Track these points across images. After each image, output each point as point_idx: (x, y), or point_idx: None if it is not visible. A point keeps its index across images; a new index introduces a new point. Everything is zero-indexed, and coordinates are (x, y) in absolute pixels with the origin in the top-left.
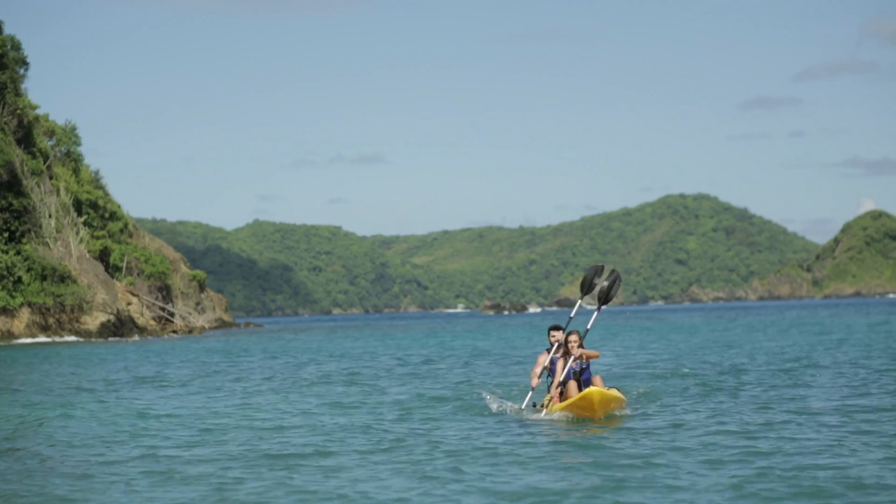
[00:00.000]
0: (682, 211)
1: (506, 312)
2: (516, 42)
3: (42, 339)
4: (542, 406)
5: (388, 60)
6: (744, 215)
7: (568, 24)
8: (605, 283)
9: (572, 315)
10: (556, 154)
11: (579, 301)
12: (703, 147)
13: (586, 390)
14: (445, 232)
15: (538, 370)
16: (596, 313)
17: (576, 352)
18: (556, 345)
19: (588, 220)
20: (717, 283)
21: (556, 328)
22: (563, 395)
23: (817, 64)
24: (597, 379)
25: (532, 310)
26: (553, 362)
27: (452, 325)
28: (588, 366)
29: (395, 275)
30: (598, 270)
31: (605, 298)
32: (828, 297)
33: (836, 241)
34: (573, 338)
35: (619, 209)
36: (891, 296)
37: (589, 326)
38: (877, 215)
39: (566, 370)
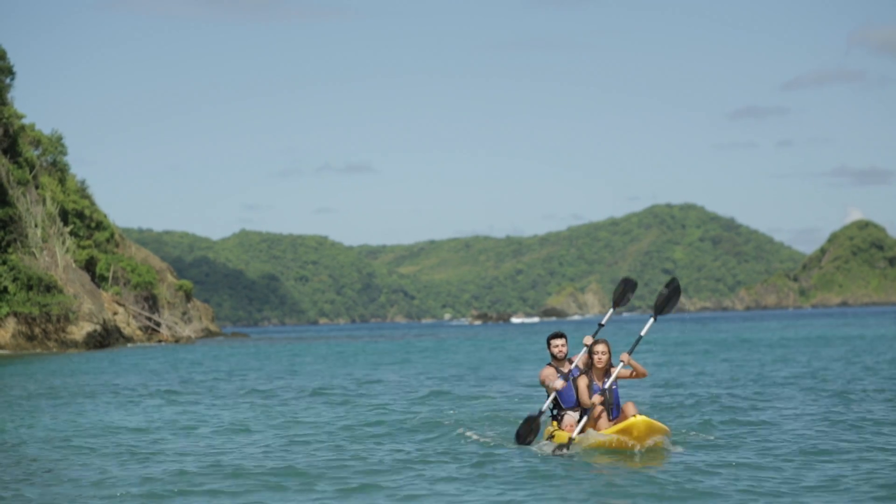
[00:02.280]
0: (668, 220)
1: (491, 322)
2: (504, 51)
3: (29, 348)
4: (549, 438)
5: (376, 69)
6: (730, 225)
7: (555, 32)
8: (665, 291)
9: (603, 322)
10: (543, 163)
11: (611, 310)
12: (690, 156)
13: (629, 420)
14: (432, 241)
15: (556, 380)
16: (651, 321)
17: (604, 373)
18: (561, 356)
19: (575, 229)
20: (704, 293)
21: (559, 336)
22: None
23: (805, 73)
24: (629, 406)
25: (516, 320)
26: (563, 376)
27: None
28: (616, 388)
29: (381, 284)
30: (628, 284)
31: (662, 307)
32: (814, 306)
33: (823, 250)
34: (601, 347)
35: (606, 219)
36: None
37: (643, 333)
38: (863, 225)
39: (592, 389)
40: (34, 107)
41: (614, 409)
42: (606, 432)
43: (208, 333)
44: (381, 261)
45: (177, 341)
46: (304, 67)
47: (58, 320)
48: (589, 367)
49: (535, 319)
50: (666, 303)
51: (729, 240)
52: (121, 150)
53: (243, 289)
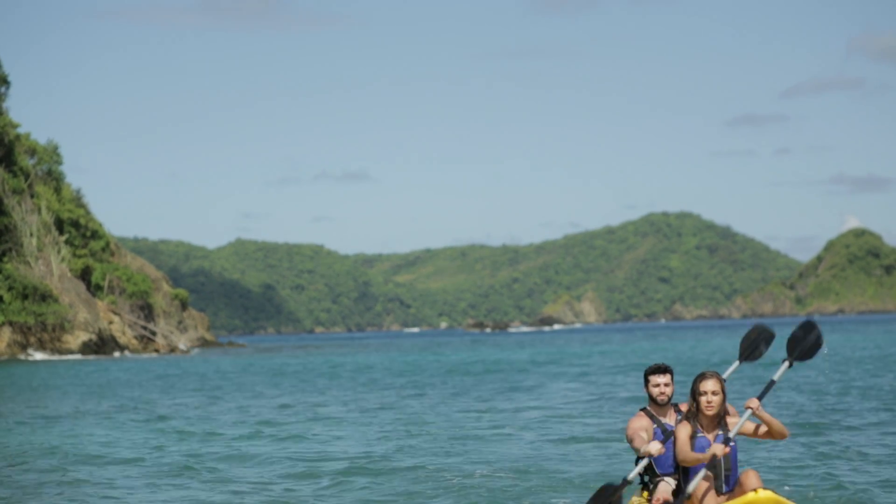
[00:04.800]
0: (665, 229)
1: (487, 330)
2: (502, 59)
3: (24, 357)
4: None
5: (373, 77)
6: (727, 233)
7: (553, 41)
8: (800, 333)
9: (724, 376)
10: (540, 172)
11: (736, 362)
12: (688, 164)
13: (748, 496)
14: (428, 250)
15: (644, 435)
16: (785, 366)
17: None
18: (663, 401)
19: (571, 238)
20: (701, 301)
21: (662, 370)
22: (680, 498)
23: (805, 80)
24: (749, 476)
25: (512, 329)
26: (662, 432)
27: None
28: (735, 447)
29: (377, 293)
30: (763, 334)
31: (801, 352)
32: (811, 314)
33: (819, 258)
34: (710, 385)
35: (602, 227)
36: None
37: (777, 377)
38: (860, 233)
39: (697, 443)
40: (30, 116)
41: (727, 480)
42: None
43: (204, 343)
44: (378, 269)
45: (172, 351)
46: (302, 75)
47: (53, 329)
48: (694, 413)
49: (559, 327)
50: (802, 347)
51: (725, 248)
52: (116, 158)
53: (239, 298)
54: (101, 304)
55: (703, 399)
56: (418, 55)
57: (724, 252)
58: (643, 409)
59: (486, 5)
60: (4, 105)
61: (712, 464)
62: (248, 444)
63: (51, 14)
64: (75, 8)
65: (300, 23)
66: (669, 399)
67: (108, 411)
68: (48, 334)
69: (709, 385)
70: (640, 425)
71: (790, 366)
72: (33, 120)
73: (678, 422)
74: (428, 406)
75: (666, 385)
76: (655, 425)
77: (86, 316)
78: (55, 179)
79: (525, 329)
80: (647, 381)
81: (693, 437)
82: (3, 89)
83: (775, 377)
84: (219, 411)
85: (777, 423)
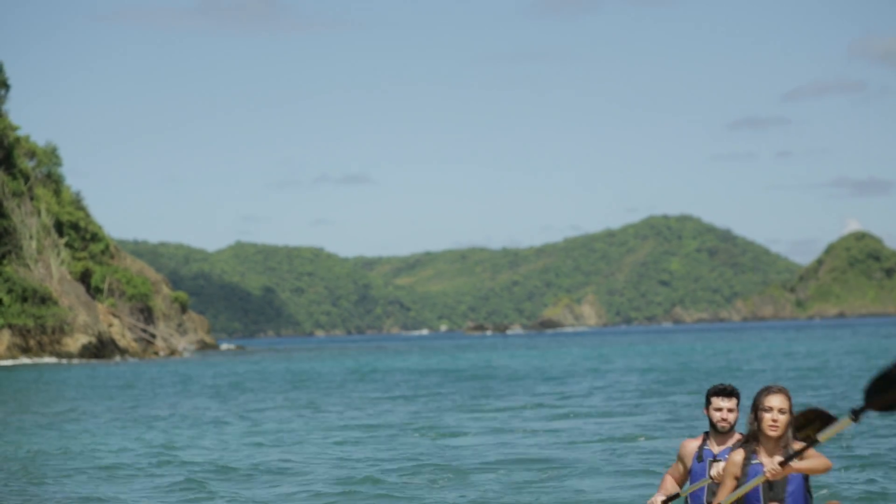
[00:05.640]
0: (665, 232)
1: (488, 333)
2: (502, 62)
3: (24, 360)
4: None
5: (373, 80)
6: (727, 236)
7: (553, 44)
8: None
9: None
10: (540, 174)
11: (846, 418)
12: (689, 167)
13: None
14: (428, 253)
15: (674, 479)
16: (847, 421)
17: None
18: (724, 428)
19: (571, 241)
20: (701, 304)
21: (727, 393)
22: None
23: (806, 83)
24: None
25: (511, 332)
26: (702, 459)
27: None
28: (805, 480)
29: (377, 296)
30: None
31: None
32: (811, 317)
33: (820, 261)
34: (777, 401)
35: (603, 230)
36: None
37: (823, 437)
38: (860, 236)
39: (751, 482)
40: (29, 118)
41: None
42: None
43: (203, 345)
44: (378, 272)
45: (172, 354)
46: (302, 78)
47: (53, 332)
48: (754, 434)
49: (561, 330)
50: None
51: (725, 251)
52: (116, 161)
53: (239, 301)
54: (101, 307)
55: (767, 416)
56: (418, 58)
57: (725, 255)
58: (705, 434)
59: (486, 9)
60: (4, 108)
61: (773, 494)
62: (239, 448)
63: (50, 16)
64: (75, 10)
65: (300, 26)
66: (732, 427)
67: (96, 416)
68: (48, 337)
69: (775, 401)
70: (686, 451)
71: (856, 419)
72: (33, 122)
73: (734, 447)
74: (421, 412)
75: (730, 411)
76: (697, 451)
77: (85, 319)
78: (55, 182)
79: (521, 332)
80: (708, 403)
81: (747, 462)
82: (2, 92)
83: (822, 436)
84: (209, 415)
85: (816, 463)
